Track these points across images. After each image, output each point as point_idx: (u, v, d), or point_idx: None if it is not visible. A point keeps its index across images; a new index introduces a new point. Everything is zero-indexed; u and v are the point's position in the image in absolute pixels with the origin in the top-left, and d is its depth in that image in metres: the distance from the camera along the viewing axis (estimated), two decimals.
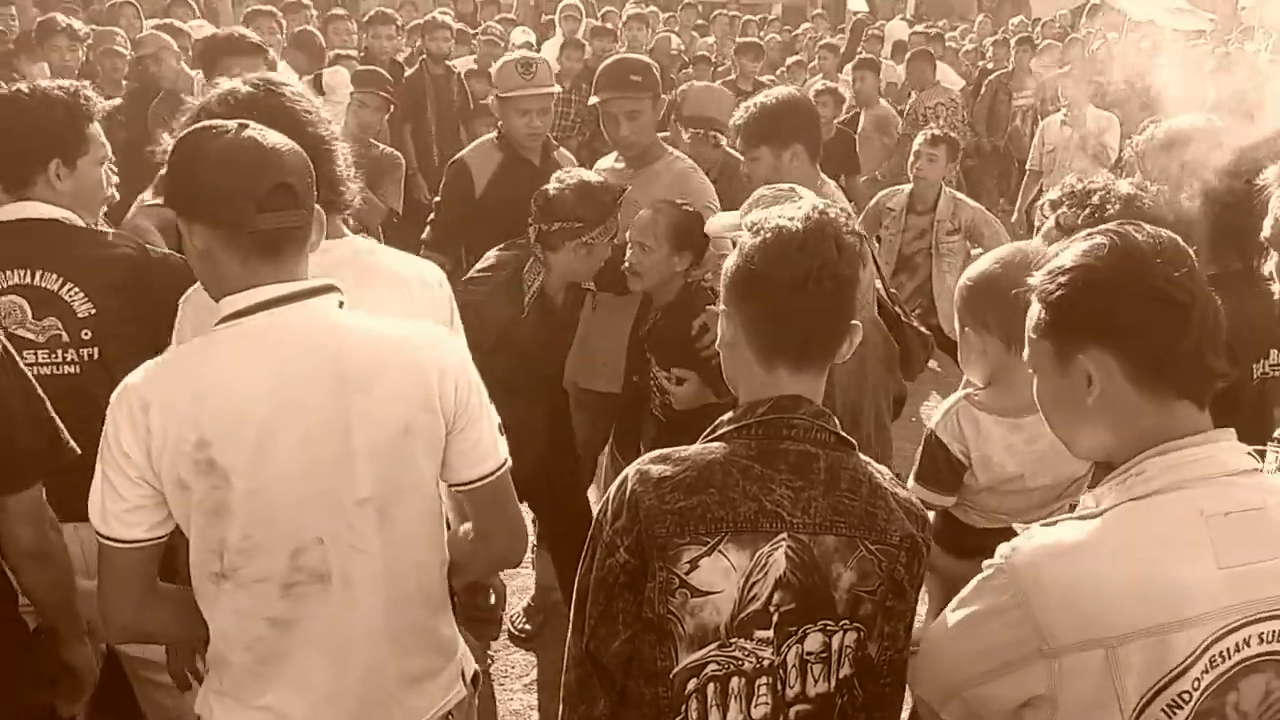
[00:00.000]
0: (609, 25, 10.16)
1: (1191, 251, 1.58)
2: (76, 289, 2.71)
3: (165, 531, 1.90)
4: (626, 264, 3.61)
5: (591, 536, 1.82)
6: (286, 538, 1.89)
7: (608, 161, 4.23)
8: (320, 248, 2.06)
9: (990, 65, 11.74)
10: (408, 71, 7.68)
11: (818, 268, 1.73)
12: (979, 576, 1.63)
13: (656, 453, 1.81)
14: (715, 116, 4.57)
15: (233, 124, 1.85)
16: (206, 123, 1.89)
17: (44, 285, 2.68)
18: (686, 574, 1.71)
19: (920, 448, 2.40)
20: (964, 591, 1.66)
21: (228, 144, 1.82)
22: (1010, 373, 2.25)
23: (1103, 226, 1.62)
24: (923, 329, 3.69)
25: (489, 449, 2.01)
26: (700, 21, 14.06)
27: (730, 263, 1.82)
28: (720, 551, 1.70)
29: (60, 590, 2.32)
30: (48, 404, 2.23)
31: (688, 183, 3.98)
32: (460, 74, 8.02)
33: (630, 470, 1.79)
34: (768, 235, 1.76)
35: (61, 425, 2.25)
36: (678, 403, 3.52)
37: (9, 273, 2.66)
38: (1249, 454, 1.58)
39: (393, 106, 5.85)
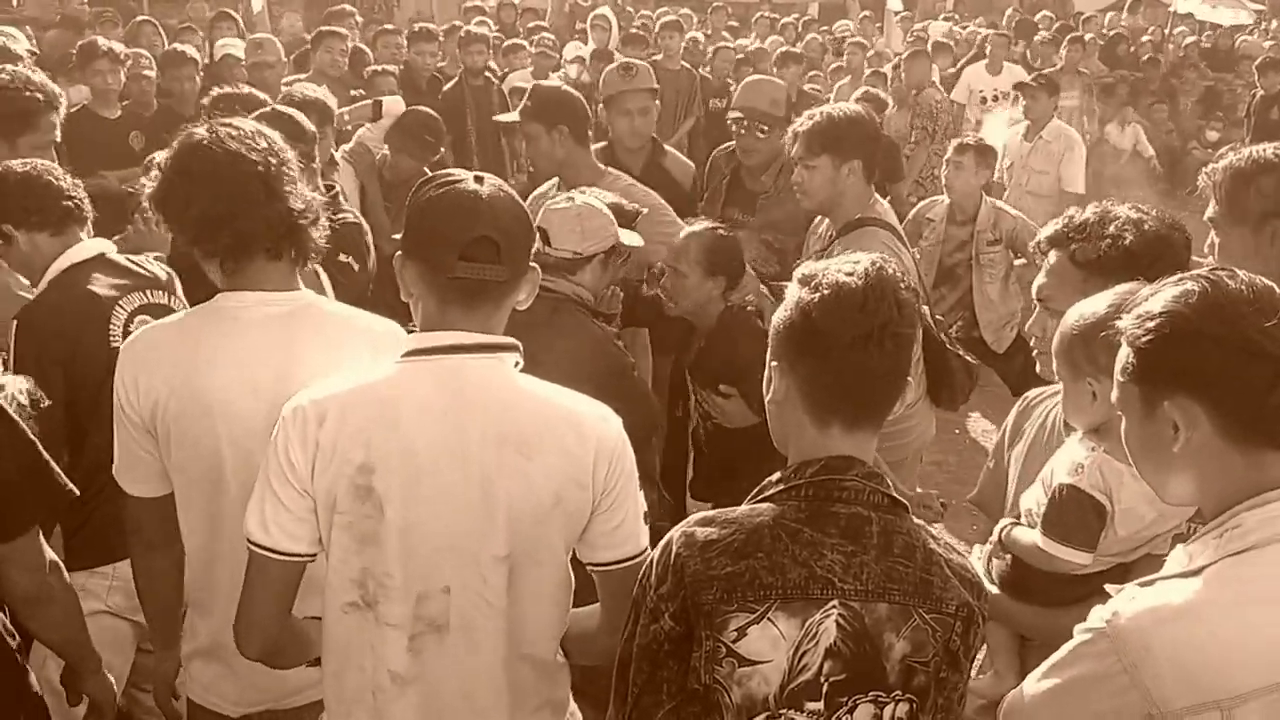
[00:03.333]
0: (639, 32, 10.09)
1: None
2: (171, 295, 2.99)
3: (318, 551, 1.93)
4: (661, 289, 3.58)
5: (635, 601, 1.77)
6: (418, 581, 1.90)
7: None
8: (272, 300, 2.17)
9: (1039, 63, 11.56)
10: (446, 85, 7.66)
11: (879, 327, 1.68)
12: (1074, 641, 1.59)
13: (701, 514, 1.76)
14: (760, 108, 4.53)
15: (466, 176, 1.95)
16: (444, 172, 2.01)
17: (156, 301, 2.93)
18: (734, 642, 1.65)
19: (1052, 505, 2.20)
20: (1056, 656, 1.62)
21: (449, 194, 1.91)
22: None
23: (1195, 272, 1.59)
24: (968, 357, 3.62)
25: (629, 534, 2.00)
26: (733, 23, 13.96)
27: (782, 316, 1.77)
28: (769, 620, 1.65)
29: (64, 629, 2.35)
30: (39, 447, 2.22)
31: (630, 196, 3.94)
32: (499, 85, 8.00)
33: (675, 532, 1.74)
34: (826, 291, 1.69)
35: (56, 468, 2.24)
36: (728, 421, 3.47)
37: (131, 297, 2.91)
38: None
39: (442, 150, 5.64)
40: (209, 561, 2.23)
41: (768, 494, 1.75)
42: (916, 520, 1.76)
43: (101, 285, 2.88)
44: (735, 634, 1.65)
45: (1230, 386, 1.51)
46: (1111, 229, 2.30)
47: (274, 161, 2.17)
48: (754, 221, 4.38)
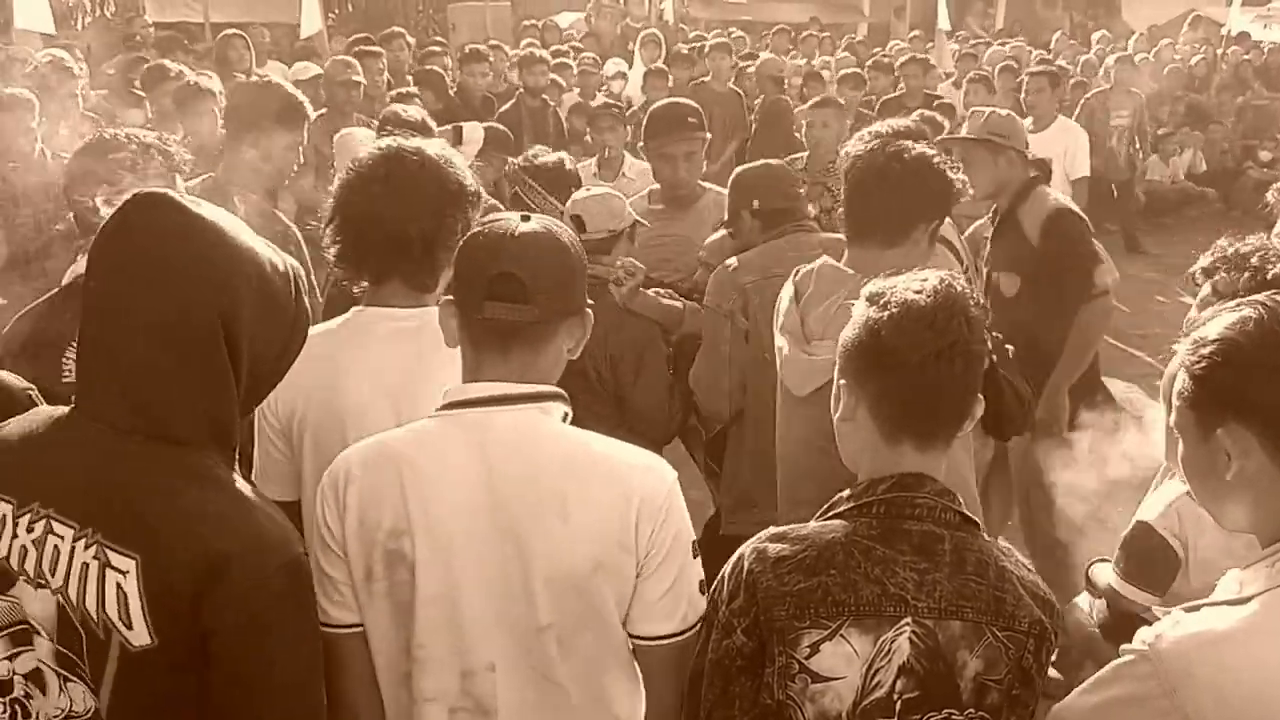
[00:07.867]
0: (685, 52, 10.16)
1: None
2: None
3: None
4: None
5: (705, 616, 1.79)
6: (460, 655, 1.78)
7: (642, 204, 4.14)
8: (400, 316, 2.18)
9: (1087, 82, 11.47)
10: (503, 106, 7.73)
11: (949, 346, 1.68)
12: (1118, 661, 1.57)
13: (773, 530, 1.77)
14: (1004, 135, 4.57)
15: (513, 216, 1.86)
16: (494, 215, 1.92)
17: None
18: (807, 658, 1.67)
19: (1124, 542, 2.16)
20: (1100, 674, 1.60)
21: (481, 233, 1.83)
22: None
23: (1253, 298, 1.57)
24: (1020, 385, 3.61)
25: (671, 608, 1.79)
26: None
27: (851, 334, 1.78)
28: (842, 636, 1.66)
29: None
30: None
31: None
32: (555, 107, 8.07)
33: (746, 548, 1.76)
34: (895, 310, 1.70)
35: None
36: None
37: None
38: None
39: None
40: None
41: (839, 510, 1.77)
42: (988, 538, 1.77)
43: None
44: (808, 650, 1.66)
45: None
46: (1255, 260, 2.21)
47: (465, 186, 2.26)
48: None
